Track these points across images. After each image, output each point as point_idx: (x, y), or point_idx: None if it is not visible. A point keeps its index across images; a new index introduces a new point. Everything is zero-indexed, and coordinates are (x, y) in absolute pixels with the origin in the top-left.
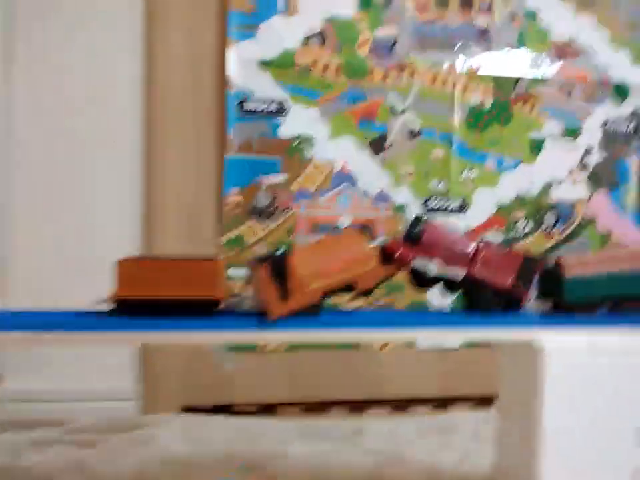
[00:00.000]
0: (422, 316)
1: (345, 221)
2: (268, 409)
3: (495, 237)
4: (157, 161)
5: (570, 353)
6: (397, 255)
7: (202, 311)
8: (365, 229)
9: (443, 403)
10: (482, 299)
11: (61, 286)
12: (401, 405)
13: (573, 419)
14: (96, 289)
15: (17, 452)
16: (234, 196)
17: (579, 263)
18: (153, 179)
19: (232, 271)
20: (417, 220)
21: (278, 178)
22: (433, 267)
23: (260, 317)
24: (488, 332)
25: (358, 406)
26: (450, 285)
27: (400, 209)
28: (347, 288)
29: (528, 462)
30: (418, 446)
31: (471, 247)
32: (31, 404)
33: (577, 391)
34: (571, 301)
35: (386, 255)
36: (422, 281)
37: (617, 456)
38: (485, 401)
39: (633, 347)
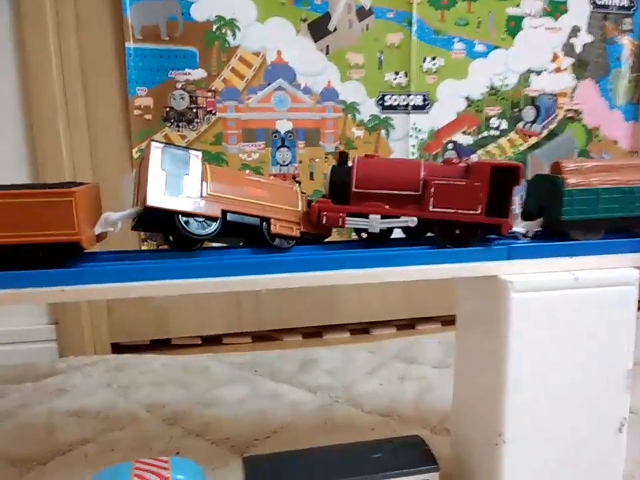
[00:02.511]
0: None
1: (284, 125)
2: (213, 341)
3: (464, 139)
4: (35, 59)
5: (540, 288)
6: (323, 218)
7: (56, 258)
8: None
9: (408, 325)
10: (448, 241)
11: None
12: (361, 328)
13: (543, 364)
14: None
15: None
16: (142, 98)
17: (580, 170)
18: (34, 84)
19: None
20: (342, 159)
21: (196, 73)
22: (374, 223)
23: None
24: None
25: (314, 332)
26: (405, 234)
27: (350, 108)
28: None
29: (490, 418)
30: (375, 378)
31: (419, 176)
32: None
33: (549, 332)
34: (571, 220)
35: (314, 218)
36: (368, 237)
37: (600, 403)
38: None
39: (619, 277)
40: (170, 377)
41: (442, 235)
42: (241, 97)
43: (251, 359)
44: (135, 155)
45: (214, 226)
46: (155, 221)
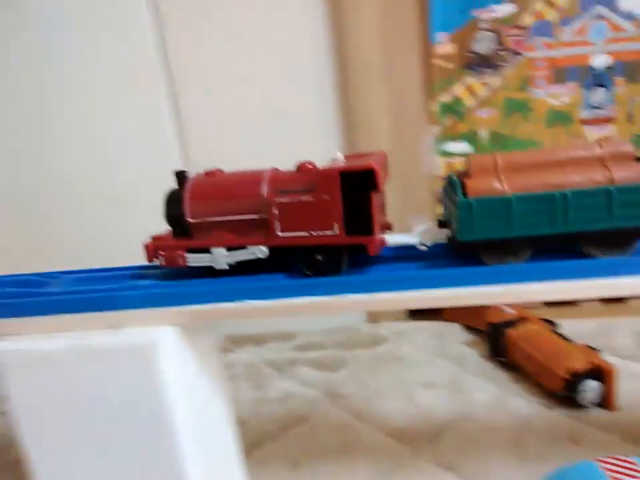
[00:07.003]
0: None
1: (600, 60)
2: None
3: None
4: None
5: None
6: (161, 259)
7: None
8: None
9: None
10: (311, 269)
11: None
12: None
13: None
14: None
15: (258, 377)
16: (443, 45)
17: (492, 169)
18: (343, 35)
19: (449, 146)
20: (180, 181)
21: (503, 10)
22: (219, 258)
23: None
24: None
25: None
26: (255, 267)
27: None
28: None
29: None
30: None
31: (260, 194)
32: None
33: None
34: (471, 241)
35: (149, 259)
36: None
37: None
38: None
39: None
40: None
41: (303, 263)
42: (552, 32)
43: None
44: (436, 109)
45: None
46: None
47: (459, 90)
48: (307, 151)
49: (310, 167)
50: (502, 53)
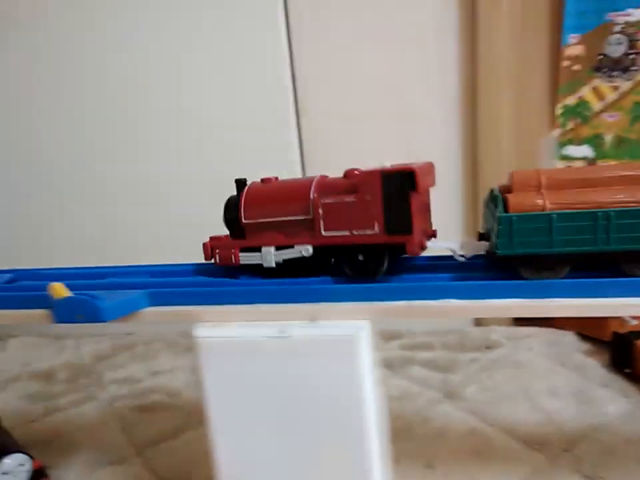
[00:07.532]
0: None
1: None
2: None
3: None
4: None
5: None
6: (217, 257)
7: None
8: None
9: None
10: (354, 270)
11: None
12: None
13: None
14: None
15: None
16: (573, 46)
17: (535, 185)
18: (475, 34)
19: (570, 150)
20: (239, 188)
21: (639, 14)
22: (267, 256)
23: None
24: None
25: None
26: (300, 267)
27: None
28: None
29: None
30: None
31: (309, 197)
32: None
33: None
34: (509, 255)
35: (207, 257)
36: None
37: None
38: None
39: None
40: None
41: (345, 263)
42: None
43: None
44: (559, 111)
45: None
46: None
47: (585, 92)
48: (428, 149)
49: (356, 172)
50: (634, 56)
